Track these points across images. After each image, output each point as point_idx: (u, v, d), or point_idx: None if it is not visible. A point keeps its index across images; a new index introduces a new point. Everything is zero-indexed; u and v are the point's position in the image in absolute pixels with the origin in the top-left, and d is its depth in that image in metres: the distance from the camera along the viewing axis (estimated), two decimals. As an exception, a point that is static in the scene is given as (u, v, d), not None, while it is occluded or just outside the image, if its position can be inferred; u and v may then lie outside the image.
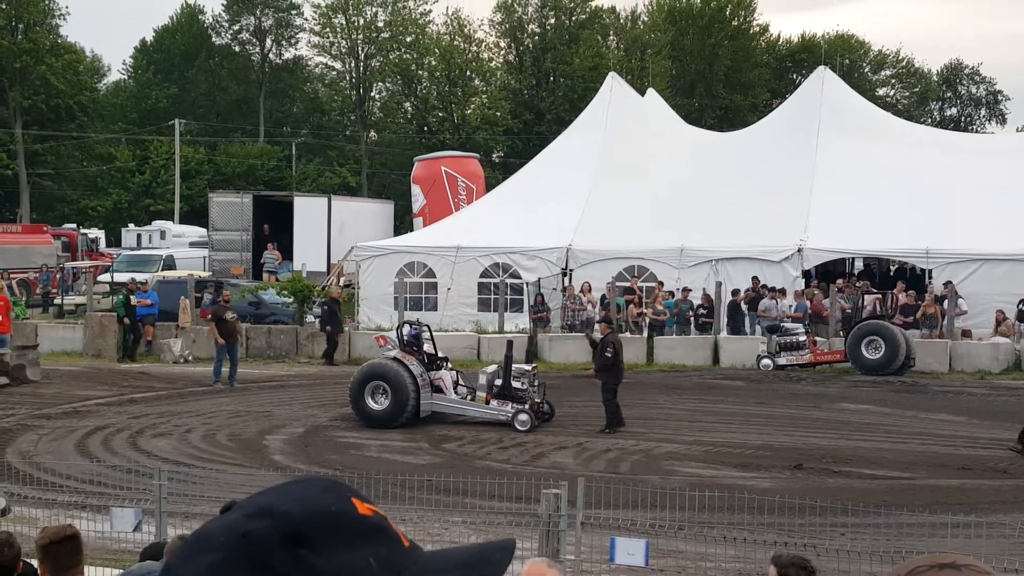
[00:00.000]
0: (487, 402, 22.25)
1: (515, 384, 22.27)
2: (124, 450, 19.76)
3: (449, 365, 23.42)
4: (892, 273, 41.56)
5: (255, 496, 1.42)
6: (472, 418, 22.37)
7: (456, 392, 22.69)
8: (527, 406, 21.87)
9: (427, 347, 23.01)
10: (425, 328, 23.58)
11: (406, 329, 23.20)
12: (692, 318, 33.13)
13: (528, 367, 23.35)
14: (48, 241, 51.36)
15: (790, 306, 32.26)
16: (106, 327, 33.48)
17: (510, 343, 23.45)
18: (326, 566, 1.34)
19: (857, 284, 35.18)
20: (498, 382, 22.39)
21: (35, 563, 6.03)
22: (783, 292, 32.60)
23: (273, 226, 47.97)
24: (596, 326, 26.16)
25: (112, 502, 12.64)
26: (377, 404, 22.02)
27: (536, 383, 22.68)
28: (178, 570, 1.38)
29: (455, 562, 1.43)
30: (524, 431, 21.35)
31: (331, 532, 1.37)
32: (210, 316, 30.34)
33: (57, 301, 44.16)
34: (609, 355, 21.46)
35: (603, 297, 33.68)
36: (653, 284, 34.47)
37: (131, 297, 32.77)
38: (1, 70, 76.15)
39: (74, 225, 65.44)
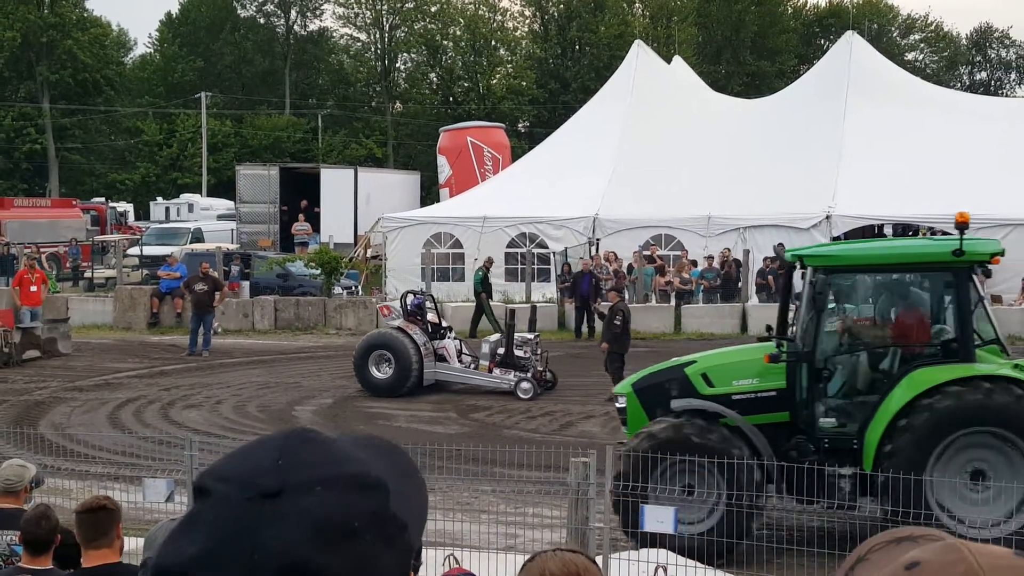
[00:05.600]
0: (490, 371, 22.48)
1: (517, 353, 22.52)
2: (156, 422, 19.93)
3: (453, 335, 23.67)
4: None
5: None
6: (475, 386, 22.58)
7: (460, 361, 22.96)
8: (529, 374, 22.13)
9: (431, 316, 23.28)
10: (429, 298, 23.87)
11: (410, 299, 23.47)
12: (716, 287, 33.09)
13: (530, 336, 23.65)
14: (77, 215, 51.65)
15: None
16: (136, 300, 33.68)
17: (511, 312, 23.68)
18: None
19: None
20: (501, 351, 22.59)
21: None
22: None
23: (300, 198, 48.08)
24: (607, 295, 26.28)
25: (144, 473, 12.76)
26: (381, 373, 22.30)
27: (539, 352, 22.92)
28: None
29: None
30: (526, 399, 21.58)
31: None
32: (183, 286, 30.73)
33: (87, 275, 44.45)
34: (618, 323, 21.65)
35: (630, 267, 33.63)
36: (678, 253, 34.41)
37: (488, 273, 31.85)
38: (28, 44, 76.38)
39: (103, 199, 65.77)
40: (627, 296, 33.54)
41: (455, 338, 23.62)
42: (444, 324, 23.60)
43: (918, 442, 11.32)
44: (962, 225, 11.88)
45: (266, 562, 1.27)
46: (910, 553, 1.29)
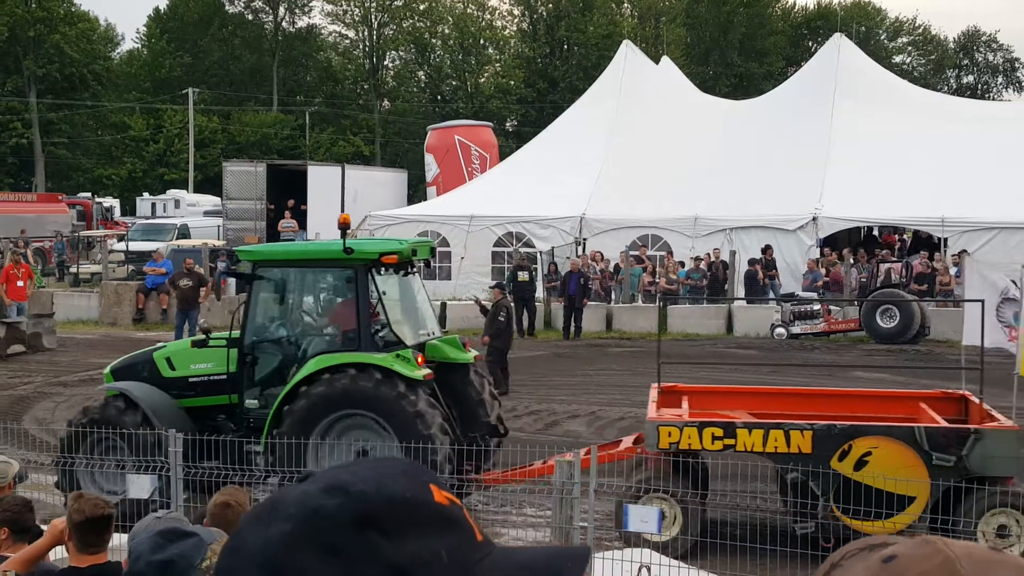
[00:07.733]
0: None
1: None
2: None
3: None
4: (883, 241, 41.34)
5: (332, 470, 1.39)
6: None
7: None
8: None
9: None
10: None
11: None
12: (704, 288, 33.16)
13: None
14: (63, 210, 51.50)
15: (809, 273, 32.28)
16: (121, 295, 33.59)
17: (444, 305, 23.76)
18: (394, 553, 1.30)
19: (881, 252, 34.98)
20: None
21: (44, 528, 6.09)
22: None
23: (287, 195, 47.97)
24: (488, 291, 26.39)
25: (128, 469, 12.72)
26: None
27: None
28: (245, 535, 1.34)
29: (526, 563, 1.38)
30: None
31: (404, 518, 1.32)
32: (168, 282, 30.73)
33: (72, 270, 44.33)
34: (503, 319, 22.08)
35: (617, 266, 33.68)
36: (663, 253, 34.43)
37: (518, 273, 31.33)
38: (15, 39, 76.16)
39: (89, 194, 65.60)
40: (613, 296, 33.69)
41: None
42: None
43: (299, 420, 12.45)
44: (343, 227, 13.18)
45: None
46: (886, 549, 1.31)
